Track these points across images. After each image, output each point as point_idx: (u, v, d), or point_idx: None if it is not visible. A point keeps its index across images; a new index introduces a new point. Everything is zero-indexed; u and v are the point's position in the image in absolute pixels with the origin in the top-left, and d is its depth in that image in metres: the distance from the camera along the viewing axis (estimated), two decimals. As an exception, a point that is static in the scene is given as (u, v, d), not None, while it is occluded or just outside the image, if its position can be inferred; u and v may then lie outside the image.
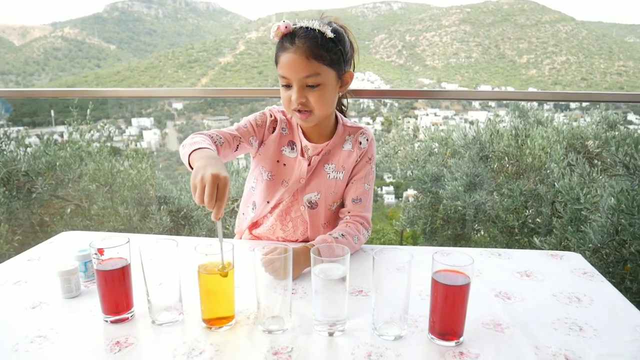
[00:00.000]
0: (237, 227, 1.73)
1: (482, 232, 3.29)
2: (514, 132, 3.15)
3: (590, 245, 2.15)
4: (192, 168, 1.15)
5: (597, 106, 3.43)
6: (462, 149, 3.23)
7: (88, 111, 3.07)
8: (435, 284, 0.96)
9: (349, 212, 1.53)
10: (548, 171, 2.91)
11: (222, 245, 1.01)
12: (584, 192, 2.41)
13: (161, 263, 1.02)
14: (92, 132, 3.12)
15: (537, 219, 2.96)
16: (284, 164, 1.53)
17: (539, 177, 2.94)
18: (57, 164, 2.96)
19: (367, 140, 1.54)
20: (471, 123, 3.72)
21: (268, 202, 1.56)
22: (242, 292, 1.14)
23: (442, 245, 3.30)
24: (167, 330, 1.03)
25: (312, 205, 1.54)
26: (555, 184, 2.66)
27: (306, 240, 1.56)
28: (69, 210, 3.12)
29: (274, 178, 1.53)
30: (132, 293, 1.07)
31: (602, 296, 1.19)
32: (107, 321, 1.05)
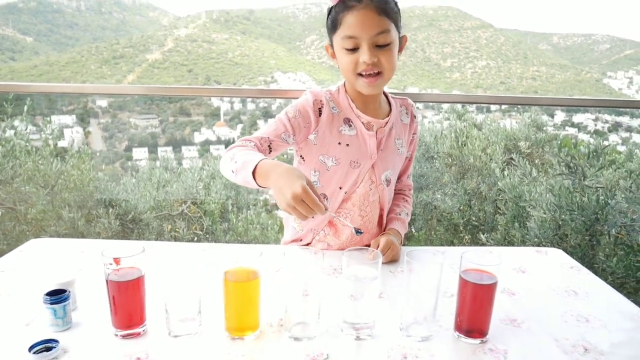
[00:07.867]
0: (292, 236, 1.57)
1: (425, 230, 3.40)
2: (453, 134, 3.28)
3: (536, 239, 2.30)
4: (255, 181, 1.13)
5: (515, 108, 3.62)
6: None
7: (25, 107, 2.84)
8: (463, 282, 0.98)
9: (405, 185, 1.62)
10: (489, 171, 3.06)
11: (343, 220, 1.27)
12: (526, 190, 2.56)
13: (183, 271, 0.99)
14: (28, 129, 2.90)
15: (479, 216, 3.10)
16: (347, 144, 1.40)
17: (481, 177, 3.09)
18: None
19: (414, 111, 1.56)
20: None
21: (341, 188, 1.44)
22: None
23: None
24: (188, 342, 0.98)
25: (387, 184, 1.49)
26: (499, 182, 2.81)
27: (380, 224, 1.56)
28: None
29: (340, 162, 1.41)
30: (145, 306, 1.02)
31: (594, 289, 1.27)
32: (117, 335, 0.98)
